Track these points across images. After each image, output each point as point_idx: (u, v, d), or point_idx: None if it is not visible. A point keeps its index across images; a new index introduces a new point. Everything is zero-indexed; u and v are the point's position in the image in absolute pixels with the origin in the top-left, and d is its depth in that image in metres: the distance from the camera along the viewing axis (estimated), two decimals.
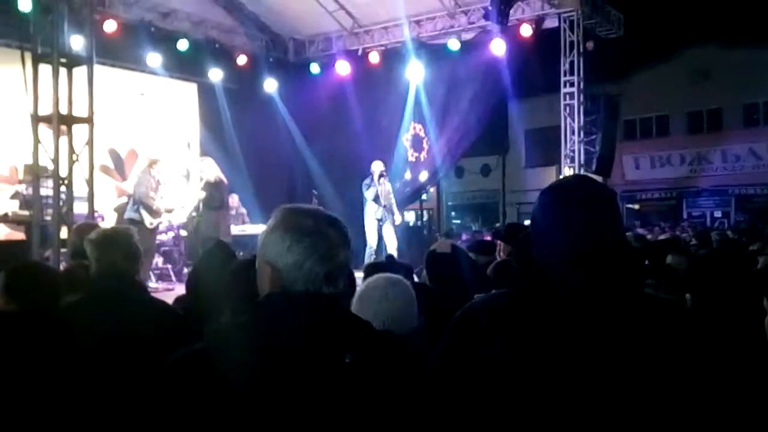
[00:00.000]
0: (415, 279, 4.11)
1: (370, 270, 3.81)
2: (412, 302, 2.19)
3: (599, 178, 14.13)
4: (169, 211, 9.16)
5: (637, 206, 25.03)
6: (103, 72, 9.70)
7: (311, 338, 1.37)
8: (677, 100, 22.67)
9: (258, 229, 9.91)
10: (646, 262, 3.71)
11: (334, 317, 1.44)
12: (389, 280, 2.22)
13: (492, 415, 1.44)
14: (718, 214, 23.10)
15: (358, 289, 2.25)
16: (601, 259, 1.43)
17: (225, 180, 9.25)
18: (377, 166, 10.24)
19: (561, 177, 1.70)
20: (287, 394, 1.32)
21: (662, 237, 7.11)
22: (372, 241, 10.11)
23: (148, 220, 8.20)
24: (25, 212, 7.37)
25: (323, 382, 1.34)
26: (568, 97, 11.54)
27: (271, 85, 12.88)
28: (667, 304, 1.49)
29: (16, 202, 7.91)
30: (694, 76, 22.28)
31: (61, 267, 5.90)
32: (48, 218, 6.70)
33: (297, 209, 1.51)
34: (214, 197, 9.03)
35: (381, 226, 10.15)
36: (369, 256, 9.88)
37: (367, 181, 10.21)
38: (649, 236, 9.88)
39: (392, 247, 10.08)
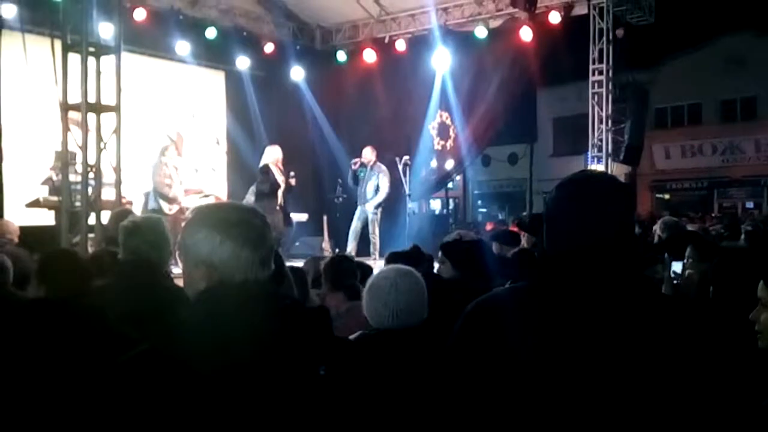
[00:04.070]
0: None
1: (392, 258, 3.83)
2: (422, 293, 2.20)
3: (627, 168, 13.99)
4: (199, 192, 9.32)
5: (667, 196, 24.67)
6: (132, 60, 9.83)
7: (264, 324, 1.41)
8: (710, 88, 22.21)
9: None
10: (666, 254, 3.67)
11: (276, 301, 1.50)
12: (399, 271, 2.23)
13: (498, 404, 1.45)
14: (749, 204, 22.65)
15: (369, 279, 2.26)
16: (610, 252, 1.44)
17: (275, 167, 9.24)
18: (363, 152, 10.20)
19: (575, 171, 1.70)
20: (251, 384, 1.35)
21: (690, 228, 7.02)
22: (352, 227, 10.13)
23: (167, 207, 8.44)
24: (55, 198, 7.53)
25: (289, 369, 1.39)
26: (596, 85, 11.39)
27: (297, 72, 12.90)
28: (672, 297, 1.49)
29: (47, 188, 8.07)
30: (728, 63, 21.79)
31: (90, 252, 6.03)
32: (78, 204, 6.83)
33: (214, 205, 1.57)
34: (261, 184, 9.13)
35: (365, 215, 10.08)
36: (349, 243, 9.92)
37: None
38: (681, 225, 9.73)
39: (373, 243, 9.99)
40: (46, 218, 8.06)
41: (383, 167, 10.12)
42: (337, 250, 10.47)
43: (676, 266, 3.48)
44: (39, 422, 2.10)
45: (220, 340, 1.36)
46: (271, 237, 1.54)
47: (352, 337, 2.23)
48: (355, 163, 10.09)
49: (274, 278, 1.55)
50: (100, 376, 1.48)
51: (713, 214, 18.87)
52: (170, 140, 9.35)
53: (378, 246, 9.80)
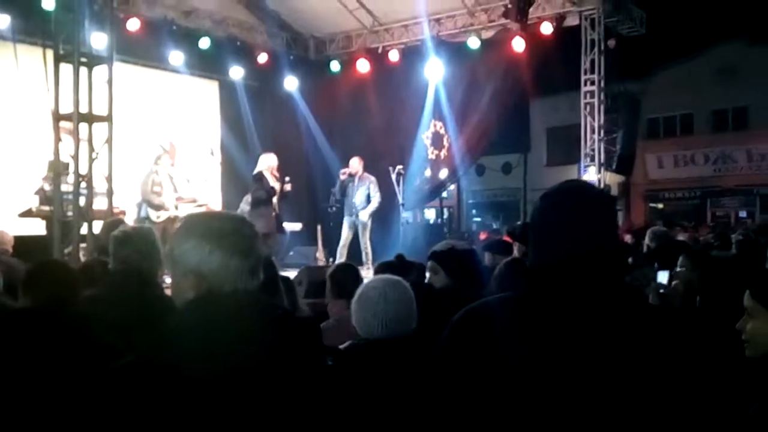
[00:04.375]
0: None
1: (381, 269, 3.83)
2: (411, 303, 2.20)
3: (621, 177, 14.07)
4: (192, 201, 9.31)
5: (660, 205, 24.76)
6: (126, 70, 9.84)
7: (254, 333, 1.41)
8: (702, 98, 22.32)
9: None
10: (656, 264, 3.69)
11: (266, 311, 1.51)
12: (387, 281, 2.24)
13: (485, 412, 1.45)
14: (742, 214, 22.75)
15: (358, 289, 2.27)
16: (592, 263, 1.45)
17: (270, 175, 9.22)
18: (351, 162, 10.14)
19: (559, 182, 1.72)
20: (241, 393, 1.35)
21: (680, 237, 7.03)
22: (342, 236, 10.04)
23: (154, 215, 8.46)
24: (47, 208, 7.51)
25: (280, 376, 1.39)
26: (588, 95, 11.46)
27: (291, 82, 12.92)
28: (658, 307, 1.50)
29: (38, 198, 8.05)
30: (720, 73, 21.92)
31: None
32: (70, 214, 6.82)
33: (203, 215, 1.57)
34: (257, 192, 9.12)
35: (356, 225, 10.00)
36: (339, 255, 9.84)
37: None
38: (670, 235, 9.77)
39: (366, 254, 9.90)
40: (39, 228, 8.04)
41: (372, 177, 10.11)
42: (331, 260, 10.46)
43: (662, 276, 3.48)
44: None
45: (209, 349, 1.36)
46: (261, 246, 1.54)
47: (342, 347, 2.23)
48: (344, 173, 10.08)
49: (266, 287, 1.55)
50: (87, 386, 1.47)
51: (707, 224, 18.93)
52: (163, 150, 9.34)
53: (370, 255, 9.79)
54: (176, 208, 8.96)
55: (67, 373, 2.10)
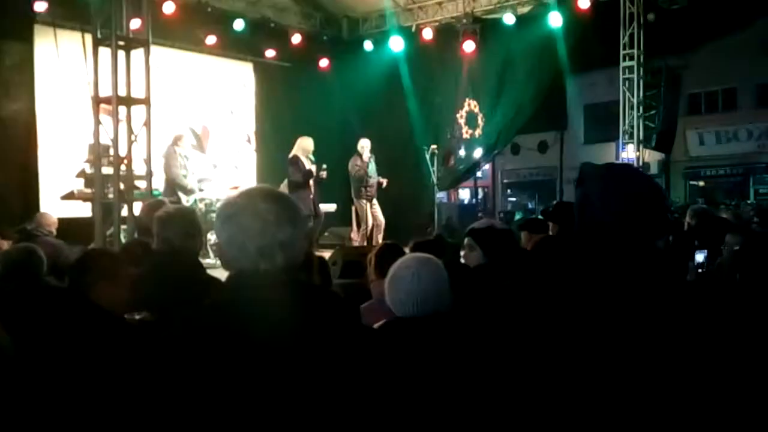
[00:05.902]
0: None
1: (417, 247, 3.84)
2: (444, 281, 2.20)
3: (660, 155, 13.78)
4: (207, 180, 9.42)
5: (701, 183, 24.23)
6: (162, 53, 9.96)
7: (291, 311, 1.43)
8: (746, 72, 21.64)
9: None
10: (696, 242, 3.62)
11: (304, 289, 1.52)
12: (420, 260, 2.24)
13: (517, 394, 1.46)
14: None
15: (390, 269, 2.27)
16: (628, 238, 1.45)
17: (306, 158, 9.31)
18: (365, 144, 10.15)
19: (608, 162, 1.75)
20: (273, 368, 1.37)
21: (724, 215, 6.87)
22: (368, 220, 10.05)
23: (184, 199, 8.52)
24: (89, 190, 7.68)
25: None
26: (627, 71, 11.26)
27: (325, 63, 12.92)
28: (696, 284, 1.48)
29: (82, 181, 8.22)
30: (765, 46, 21.22)
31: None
32: (110, 196, 6.97)
33: (245, 194, 1.57)
34: (294, 174, 9.20)
35: (371, 205, 10.05)
36: (363, 236, 9.89)
37: (356, 161, 10.13)
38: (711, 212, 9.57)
39: (382, 226, 9.99)
40: (83, 210, 8.23)
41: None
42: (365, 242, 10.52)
43: (700, 256, 3.42)
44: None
45: (234, 325, 1.39)
46: (287, 230, 1.51)
47: (376, 325, 2.25)
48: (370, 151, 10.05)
49: (302, 265, 1.56)
50: (114, 364, 1.51)
51: (748, 201, 18.48)
52: (192, 132, 9.39)
53: (383, 230, 9.89)
54: (200, 190, 9.04)
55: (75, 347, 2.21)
